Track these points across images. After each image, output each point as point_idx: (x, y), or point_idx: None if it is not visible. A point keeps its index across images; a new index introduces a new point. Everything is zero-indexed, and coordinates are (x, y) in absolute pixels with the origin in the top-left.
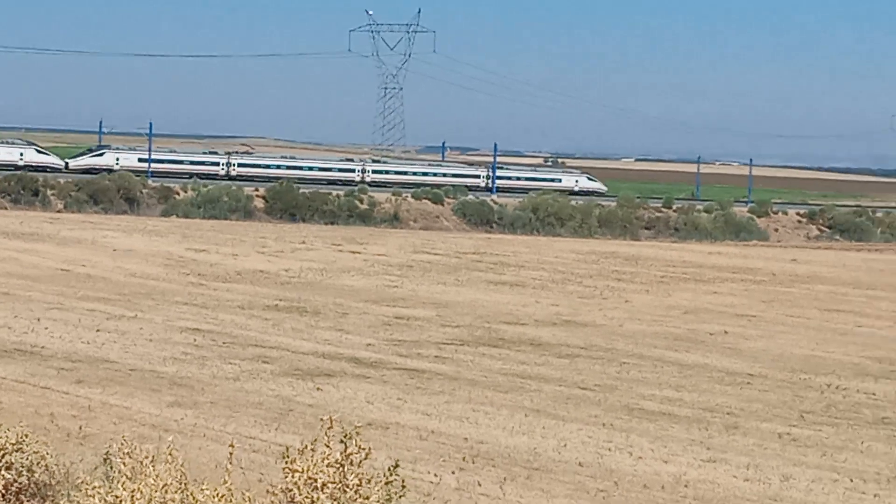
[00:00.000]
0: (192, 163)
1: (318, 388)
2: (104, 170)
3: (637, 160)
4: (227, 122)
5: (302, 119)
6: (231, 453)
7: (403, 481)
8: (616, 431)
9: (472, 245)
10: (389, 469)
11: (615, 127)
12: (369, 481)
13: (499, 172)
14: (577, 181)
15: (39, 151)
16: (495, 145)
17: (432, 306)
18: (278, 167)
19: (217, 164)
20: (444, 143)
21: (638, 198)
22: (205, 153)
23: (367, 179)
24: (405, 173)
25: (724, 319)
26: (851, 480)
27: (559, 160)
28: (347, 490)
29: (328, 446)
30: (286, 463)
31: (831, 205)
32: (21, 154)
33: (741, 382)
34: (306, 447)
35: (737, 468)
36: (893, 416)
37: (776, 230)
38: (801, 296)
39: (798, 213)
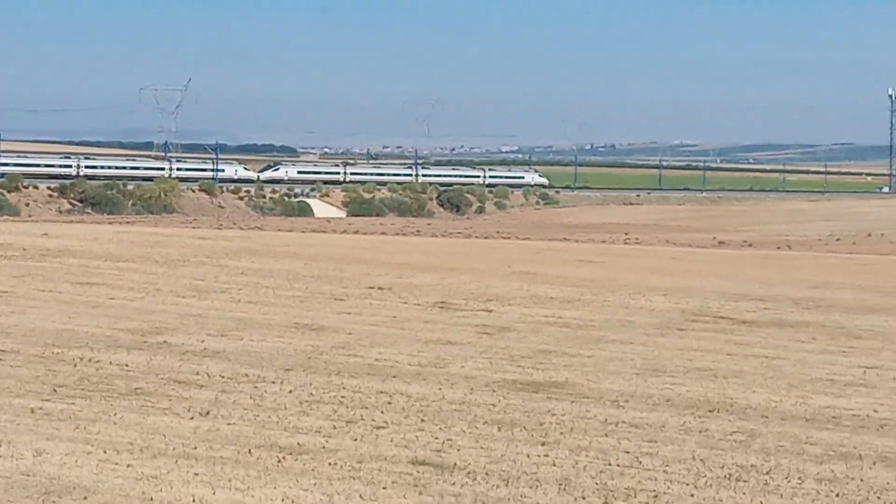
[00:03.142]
0: (322, 172)
1: None
2: (279, 181)
3: None
4: None
5: None
6: None
7: None
8: None
9: None
10: None
11: None
12: None
13: (489, 172)
14: (532, 178)
15: (245, 168)
16: None
17: None
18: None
19: (338, 172)
20: None
21: None
22: (334, 165)
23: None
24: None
25: None
26: (105, 452)
27: None
28: None
29: None
30: None
31: (83, 179)
32: (236, 171)
33: None
34: None
35: None
36: (146, 387)
37: (27, 205)
38: (53, 270)
39: (49, 188)
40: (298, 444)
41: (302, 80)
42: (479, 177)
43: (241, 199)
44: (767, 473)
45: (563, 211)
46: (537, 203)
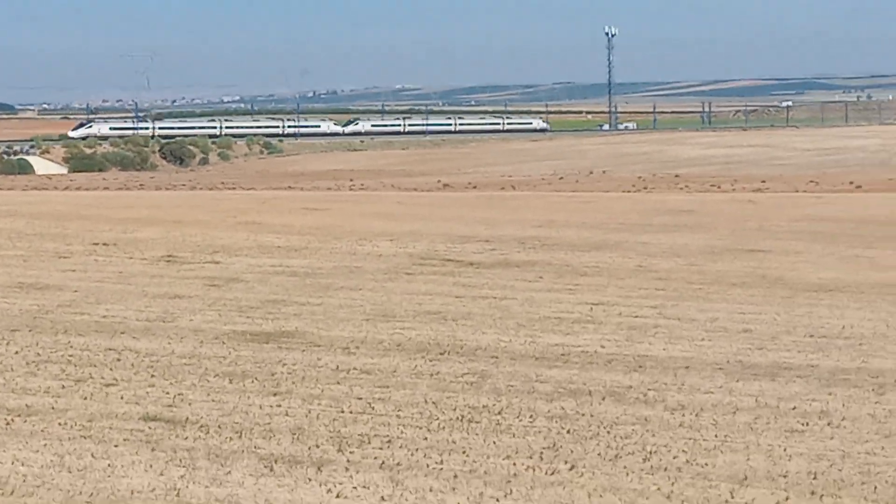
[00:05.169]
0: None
1: None
2: (359, 133)
3: None
4: None
5: None
6: None
7: None
8: None
9: None
10: None
11: None
12: None
13: (493, 119)
14: (539, 123)
15: (335, 124)
16: None
17: None
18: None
19: (399, 125)
20: None
21: None
22: (396, 118)
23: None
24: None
25: None
26: None
27: None
28: None
29: None
30: None
31: None
32: (329, 126)
33: None
34: None
35: None
36: None
37: None
38: None
39: None
40: (27, 405)
41: (15, 34)
42: (498, 124)
43: None
44: (499, 413)
45: (288, 160)
46: (261, 152)
